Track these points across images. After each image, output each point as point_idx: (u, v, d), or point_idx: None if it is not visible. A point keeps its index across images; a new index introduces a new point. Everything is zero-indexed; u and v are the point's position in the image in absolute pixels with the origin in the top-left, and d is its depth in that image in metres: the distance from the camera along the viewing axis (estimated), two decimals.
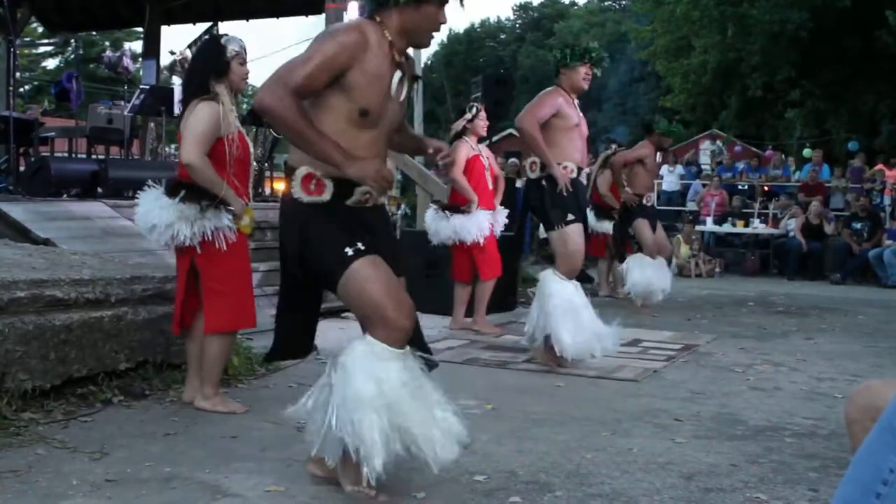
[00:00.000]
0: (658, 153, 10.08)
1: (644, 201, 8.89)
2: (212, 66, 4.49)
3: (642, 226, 8.79)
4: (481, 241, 7.29)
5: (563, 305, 5.67)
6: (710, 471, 3.72)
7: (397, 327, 3.05)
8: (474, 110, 7.54)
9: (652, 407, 4.88)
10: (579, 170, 5.97)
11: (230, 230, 4.40)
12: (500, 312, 8.59)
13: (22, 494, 3.18)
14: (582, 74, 6.01)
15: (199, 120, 4.34)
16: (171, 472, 3.49)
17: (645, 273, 8.57)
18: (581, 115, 6.07)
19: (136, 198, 4.61)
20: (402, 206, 20.97)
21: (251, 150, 4.69)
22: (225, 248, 4.38)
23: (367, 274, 3.08)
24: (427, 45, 3.41)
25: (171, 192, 4.41)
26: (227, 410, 4.43)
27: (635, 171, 8.97)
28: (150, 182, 4.58)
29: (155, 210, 4.42)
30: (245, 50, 4.58)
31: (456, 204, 7.41)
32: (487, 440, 4.06)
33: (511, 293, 9.14)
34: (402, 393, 2.98)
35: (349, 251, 3.08)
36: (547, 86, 6.23)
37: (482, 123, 7.52)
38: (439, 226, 7.36)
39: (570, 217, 5.84)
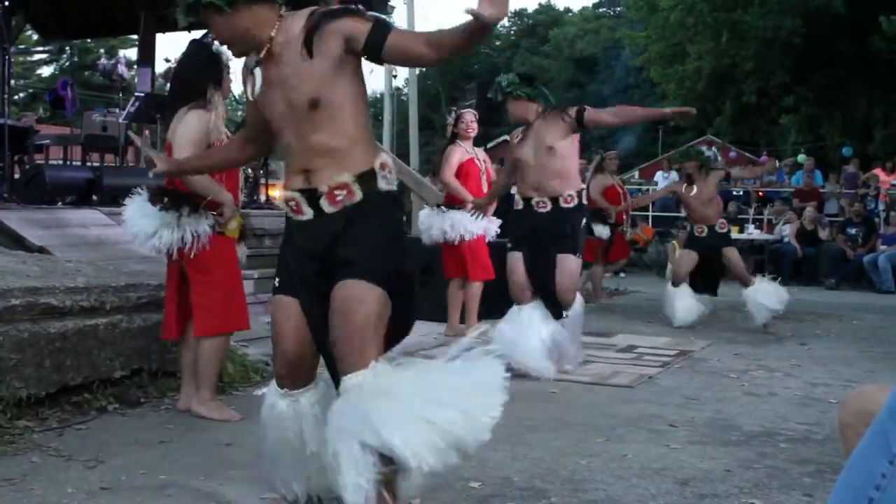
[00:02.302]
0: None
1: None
2: (211, 74, 4.49)
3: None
4: (474, 239, 7.28)
5: (508, 331, 5.80)
6: (705, 476, 3.72)
7: (276, 372, 3.12)
8: (453, 115, 7.58)
9: (646, 413, 4.89)
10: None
11: (211, 234, 4.41)
12: (494, 318, 8.58)
13: (17, 503, 3.18)
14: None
15: (188, 129, 4.37)
16: (165, 479, 3.49)
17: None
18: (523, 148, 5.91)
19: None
20: None
21: None
22: (207, 251, 4.39)
23: (273, 314, 3.10)
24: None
25: (153, 199, 4.44)
26: (222, 418, 4.44)
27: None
28: (137, 189, 4.60)
29: (139, 217, 4.45)
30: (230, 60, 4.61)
31: (452, 202, 7.42)
32: (482, 446, 4.05)
33: (505, 299, 9.13)
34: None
35: (276, 282, 3.10)
36: None
37: (466, 125, 7.51)
38: (434, 222, 7.34)
39: (509, 245, 5.94)
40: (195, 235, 4.38)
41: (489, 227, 7.46)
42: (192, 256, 4.40)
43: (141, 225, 4.45)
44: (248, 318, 4.64)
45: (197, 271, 4.46)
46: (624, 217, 10.70)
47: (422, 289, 7.91)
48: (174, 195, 4.42)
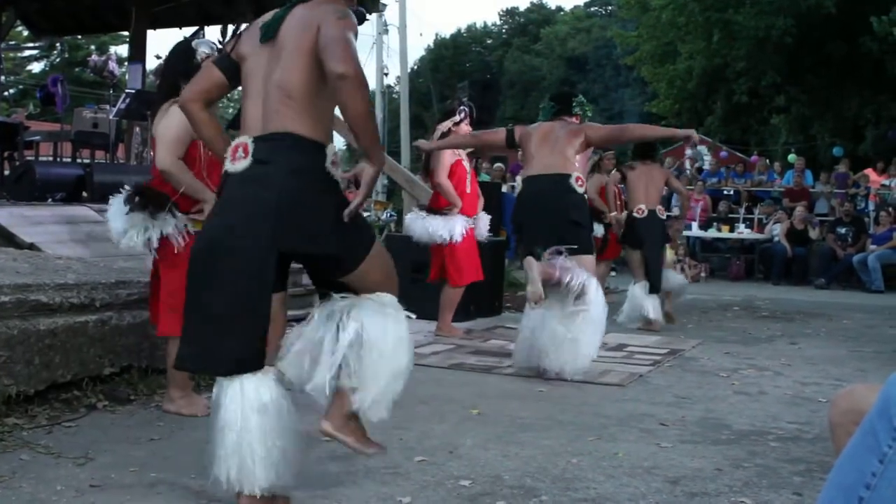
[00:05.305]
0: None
1: None
2: (182, 68, 4.50)
3: None
4: (453, 243, 7.26)
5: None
6: (695, 475, 3.73)
7: None
8: (463, 114, 7.48)
9: (637, 411, 4.89)
10: None
11: (181, 236, 4.42)
12: (487, 317, 8.61)
13: (6, 500, 3.17)
14: None
15: (170, 124, 4.38)
16: (155, 477, 3.48)
17: None
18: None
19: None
20: (388, 209, 20.99)
21: None
22: (179, 252, 4.40)
23: None
24: None
25: (127, 198, 4.46)
26: (190, 413, 4.42)
27: None
28: (124, 186, 4.61)
29: (116, 216, 4.50)
30: (216, 51, 4.58)
31: (435, 207, 7.41)
32: (473, 445, 4.06)
33: (497, 298, 9.15)
34: None
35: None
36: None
37: (467, 128, 7.50)
38: (415, 225, 7.36)
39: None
40: (162, 237, 4.41)
41: (478, 224, 7.45)
42: (158, 257, 4.47)
43: (116, 223, 4.50)
44: None
45: (166, 271, 4.47)
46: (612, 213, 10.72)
47: (413, 286, 7.99)
48: (147, 195, 4.44)
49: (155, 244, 4.42)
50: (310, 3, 3.06)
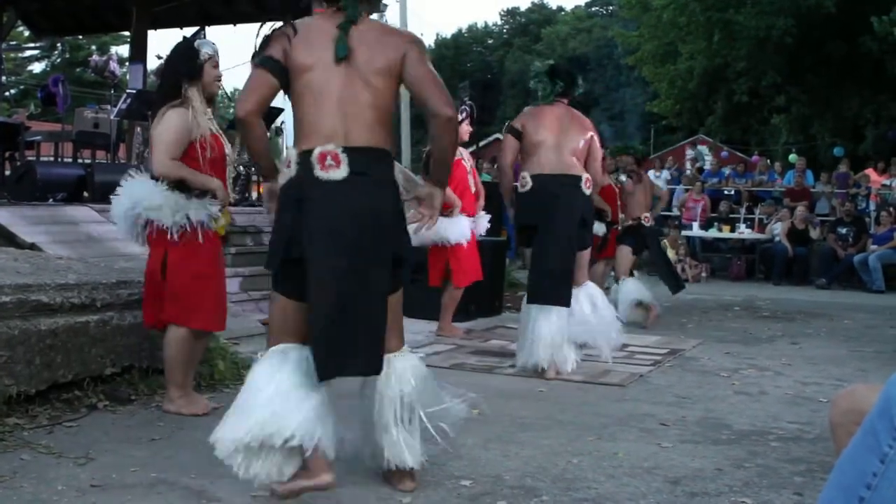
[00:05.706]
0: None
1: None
2: (184, 69, 4.47)
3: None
4: (457, 244, 7.25)
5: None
6: (696, 475, 3.73)
7: None
8: (464, 114, 7.47)
9: (638, 411, 4.89)
10: None
11: (207, 226, 4.40)
12: (487, 317, 8.61)
13: (7, 500, 3.17)
14: None
15: (167, 128, 4.36)
16: (156, 477, 3.48)
17: None
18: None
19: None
20: None
21: (228, 151, 4.64)
22: (196, 242, 4.37)
23: None
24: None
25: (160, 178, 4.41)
26: (190, 412, 4.42)
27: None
28: (131, 172, 4.58)
29: (141, 192, 4.41)
30: (217, 53, 4.57)
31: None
32: (473, 445, 4.06)
33: (497, 298, 9.15)
34: None
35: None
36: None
37: (466, 129, 7.50)
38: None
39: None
40: (195, 222, 4.36)
41: (478, 224, 7.43)
42: (182, 243, 4.37)
43: (143, 196, 4.40)
44: (224, 320, 4.61)
45: (179, 261, 4.40)
46: (620, 215, 10.73)
47: (412, 287, 7.98)
48: (177, 180, 4.39)
49: (188, 228, 4.36)
50: (370, 22, 3.35)
